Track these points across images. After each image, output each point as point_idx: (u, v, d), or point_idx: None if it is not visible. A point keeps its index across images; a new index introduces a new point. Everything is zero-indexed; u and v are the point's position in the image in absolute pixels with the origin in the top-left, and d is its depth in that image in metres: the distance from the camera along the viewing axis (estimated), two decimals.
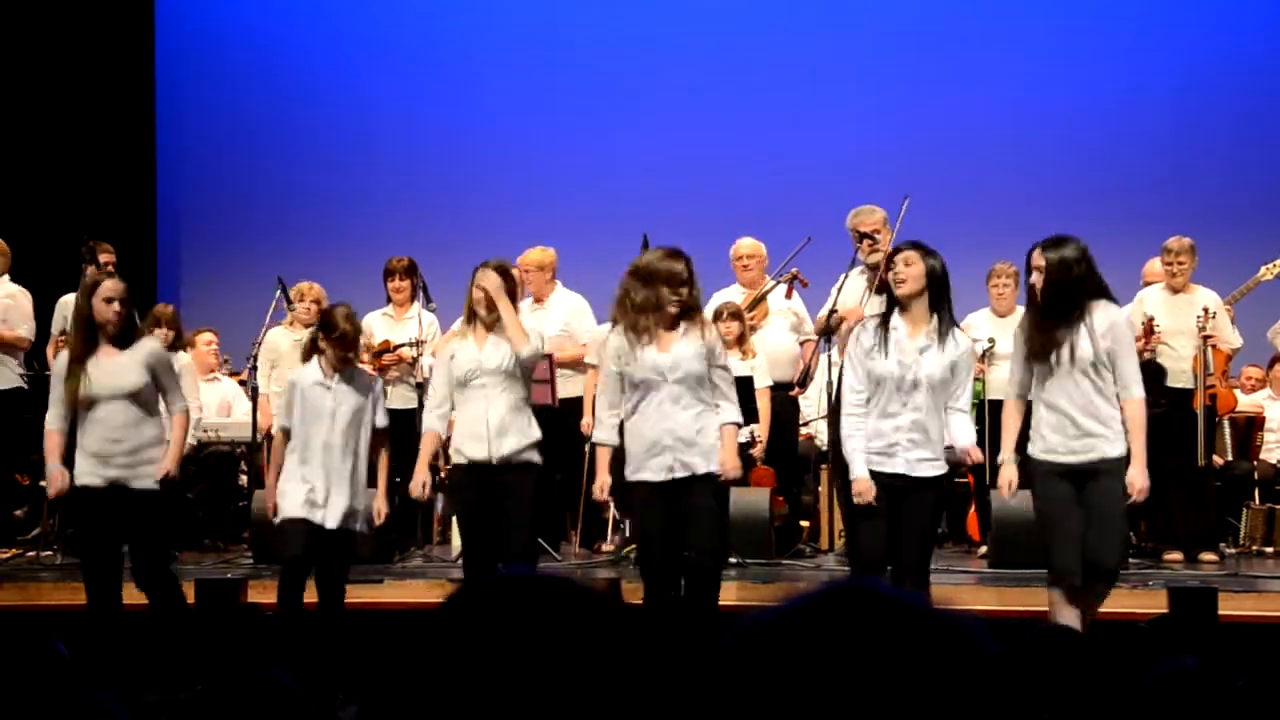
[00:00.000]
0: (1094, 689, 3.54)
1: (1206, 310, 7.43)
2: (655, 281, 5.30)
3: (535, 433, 5.62)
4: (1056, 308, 5.11)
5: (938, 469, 5.21)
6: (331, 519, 5.60)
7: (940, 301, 5.23)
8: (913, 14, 11.22)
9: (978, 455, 5.27)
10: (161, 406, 5.73)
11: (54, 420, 5.68)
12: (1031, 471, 5.28)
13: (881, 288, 7.05)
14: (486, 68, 11.46)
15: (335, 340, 5.66)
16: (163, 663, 5.41)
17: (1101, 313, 5.12)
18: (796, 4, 11.38)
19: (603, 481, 5.43)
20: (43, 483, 8.22)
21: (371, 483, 5.89)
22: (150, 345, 5.72)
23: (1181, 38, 11.01)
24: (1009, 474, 5.26)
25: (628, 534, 7.38)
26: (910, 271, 5.20)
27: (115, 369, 5.55)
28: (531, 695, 1.16)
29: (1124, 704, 2.92)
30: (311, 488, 5.60)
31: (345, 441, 5.66)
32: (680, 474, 5.23)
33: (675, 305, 5.27)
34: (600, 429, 5.44)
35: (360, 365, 7.85)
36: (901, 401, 5.16)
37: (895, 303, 5.26)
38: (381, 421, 5.82)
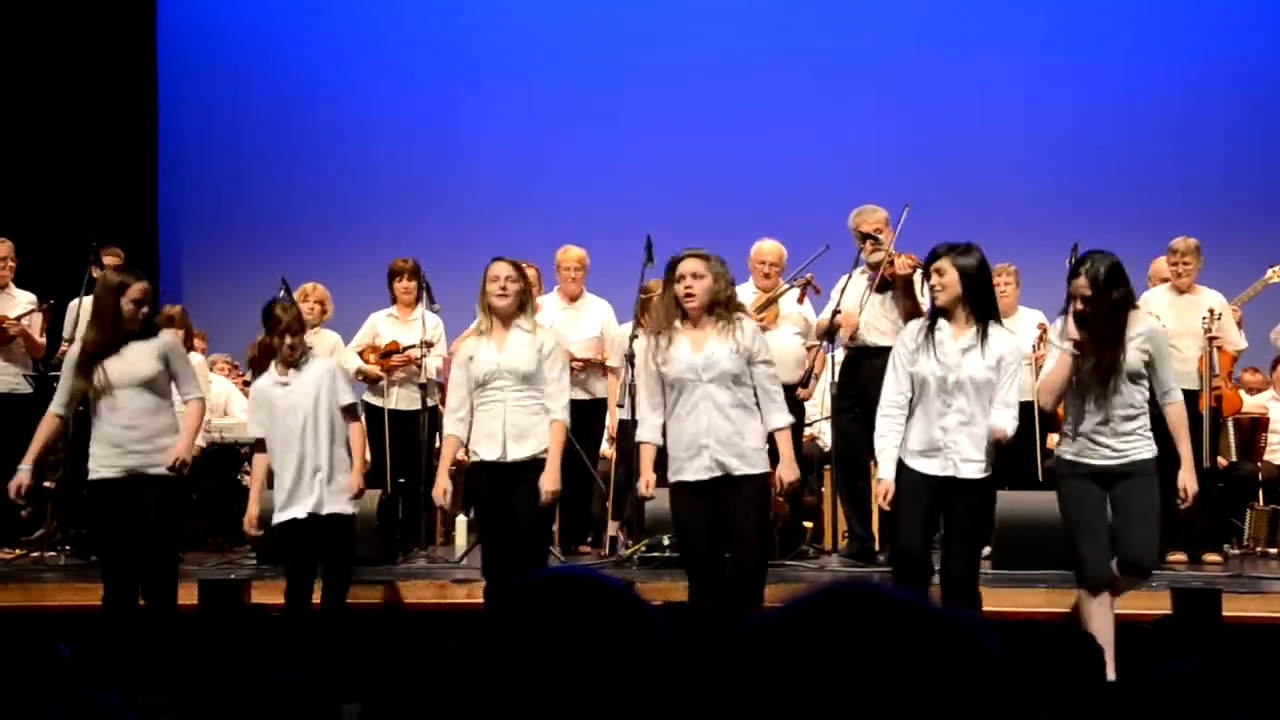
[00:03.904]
0: (1097, 690, 3.54)
1: (1212, 311, 7.42)
2: (673, 279, 5.31)
3: (547, 437, 5.62)
4: (1106, 322, 5.11)
5: (984, 471, 5.19)
6: (319, 505, 5.68)
7: (981, 301, 5.21)
8: (918, 17, 11.21)
9: (1004, 434, 5.15)
10: (175, 396, 5.81)
11: (57, 406, 5.79)
12: (1059, 473, 5.34)
13: (882, 286, 7.09)
14: (490, 69, 11.46)
15: (283, 333, 5.71)
16: (166, 663, 5.42)
17: (1139, 322, 5.17)
18: (801, 7, 11.38)
19: (647, 478, 5.39)
20: (47, 483, 8.25)
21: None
22: (165, 336, 5.81)
23: (1188, 37, 11.00)
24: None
25: (626, 538, 7.38)
26: (945, 280, 5.20)
27: (131, 359, 5.63)
28: (573, 697, 1.19)
29: (1130, 703, 2.92)
30: (294, 486, 5.69)
31: (315, 430, 5.72)
32: (718, 474, 5.20)
33: (691, 300, 5.24)
34: (643, 428, 5.40)
35: (367, 365, 7.91)
36: (945, 403, 5.16)
37: (940, 310, 5.25)
38: (346, 399, 5.86)
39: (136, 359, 5.64)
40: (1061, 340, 5.22)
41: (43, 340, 7.91)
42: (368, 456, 6.67)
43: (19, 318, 7.78)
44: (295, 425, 5.71)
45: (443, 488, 5.69)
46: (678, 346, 5.26)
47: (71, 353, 5.78)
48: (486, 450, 5.59)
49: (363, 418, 6.12)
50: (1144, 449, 5.17)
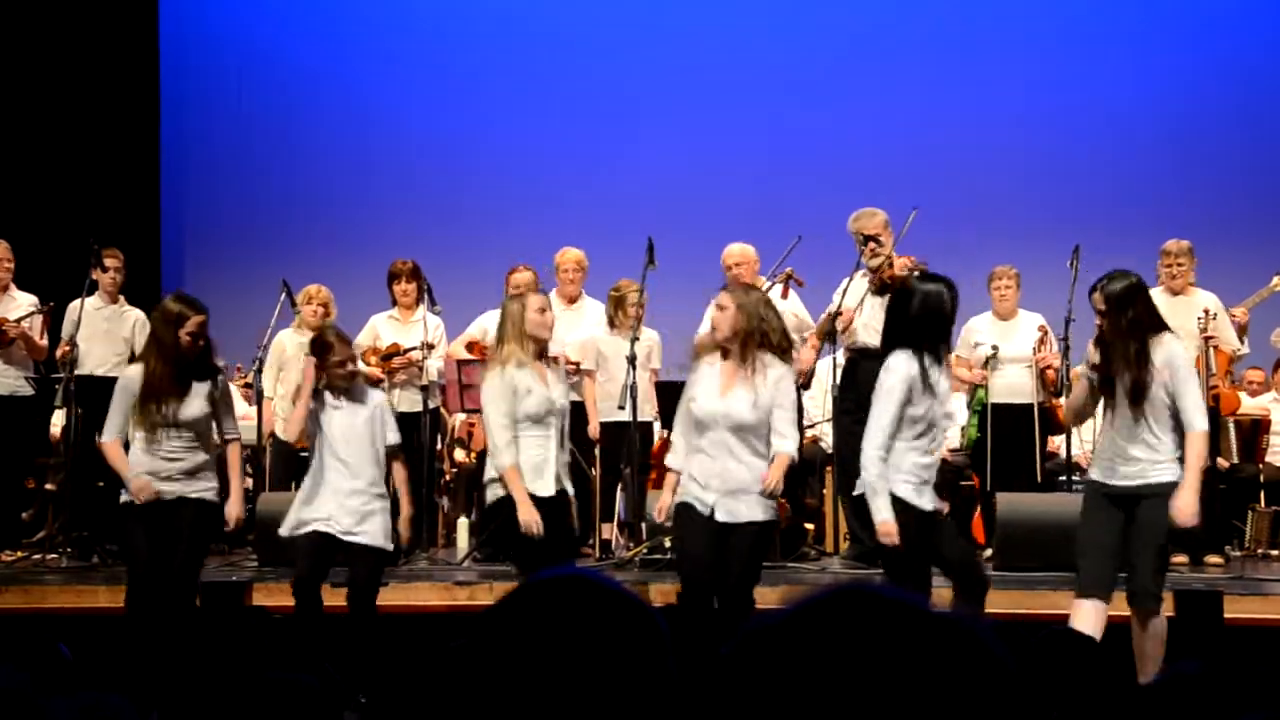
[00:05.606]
0: (1100, 692, 3.54)
1: (1207, 311, 7.45)
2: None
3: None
4: (1117, 343, 5.12)
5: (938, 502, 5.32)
6: (352, 535, 5.70)
7: None
8: (920, 22, 11.21)
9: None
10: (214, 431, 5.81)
11: (112, 433, 5.73)
12: (1085, 490, 5.39)
13: (881, 289, 7.09)
14: (490, 69, 11.46)
15: (339, 364, 5.77)
16: (167, 666, 5.42)
17: (1160, 347, 5.12)
18: (804, 11, 11.38)
19: (663, 504, 5.45)
20: (49, 486, 8.24)
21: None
22: (218, 381, 5.79)
23: (1190, 43, 10.99)
24: None
25: (624, 538, 7.39)
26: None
27: (183, 401, 5.62)
28: (574, 699, 1.19)
29: (1125, 710, 2.93)
30: (327, 506, 5.70)
31: (359, 459, 5.75)
32: (726, 519, 5.24)
33: (714, 330, 5.32)
34: (673, 455, 5.46)
35: (368, 367, 7.91)
36: (932, 438, 5.21)
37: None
38: (393, 439, 5.89)
39: (188, 401, 5.63)
40: (1086, 365, 5.26)
41: (44, 342, 7.89)
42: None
43: (19, 320, 7.76)
44: (337, 451, 5.74)
45: (534, 518, 5.49)
46: (704, 383, 5.31)
47: (133, 380, 5.68)
48: (538, 485, 5.57)
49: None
50: (1166, 472, 5.10)
